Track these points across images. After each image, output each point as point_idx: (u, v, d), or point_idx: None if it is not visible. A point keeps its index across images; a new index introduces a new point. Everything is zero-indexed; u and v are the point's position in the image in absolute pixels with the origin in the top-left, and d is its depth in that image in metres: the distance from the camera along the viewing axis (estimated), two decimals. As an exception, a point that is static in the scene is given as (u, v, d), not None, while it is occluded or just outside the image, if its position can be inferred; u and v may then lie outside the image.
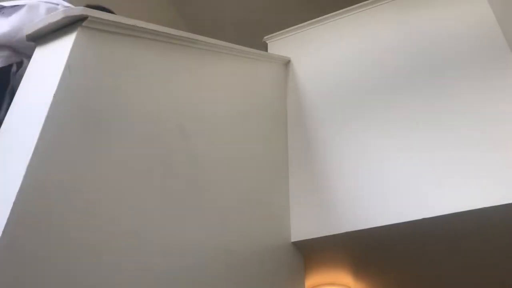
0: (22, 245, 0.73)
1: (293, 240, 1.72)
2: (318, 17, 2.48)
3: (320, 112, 2.08)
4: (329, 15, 2.45)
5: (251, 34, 2.33)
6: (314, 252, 1.79)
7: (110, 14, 1.11)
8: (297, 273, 1.74)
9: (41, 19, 1.03)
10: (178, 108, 1.31)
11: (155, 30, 1.28)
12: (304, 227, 1.73)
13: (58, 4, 1.25)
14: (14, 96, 0.95)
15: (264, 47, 2.54)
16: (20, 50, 1.15)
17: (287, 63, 2.38)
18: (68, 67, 0.94)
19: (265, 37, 2.57)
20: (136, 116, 1.11)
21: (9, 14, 1.18)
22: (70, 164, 0.88)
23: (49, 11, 1.18)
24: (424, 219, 1.54)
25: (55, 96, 0.88)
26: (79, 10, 1.02)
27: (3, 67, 1.11)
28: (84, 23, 1.02)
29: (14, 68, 1.14)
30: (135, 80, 1.16)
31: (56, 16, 1.01)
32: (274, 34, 2.56)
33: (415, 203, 1.58)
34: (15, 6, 1.21)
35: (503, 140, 1.59)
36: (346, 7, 2.42)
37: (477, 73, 1.83)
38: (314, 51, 2.36)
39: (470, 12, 2.04)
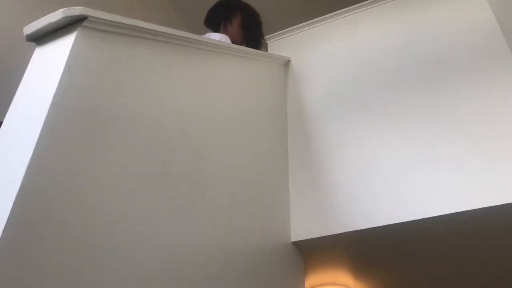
0: (22, 245, 0.73)
1: (293, 240, 1.72)
2: (318, 17, 2.48)
3: (320, 112, 2.08)
4: (329, 15, 2.45)
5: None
6: (314, 252, 1.79)
7: (110, 14, 1.11)
8: (297, 273, 1.74)
9: (41, 19, 1.03)
10: (178, 108, 1.31)
11: (155, 30, 1.28)
12: (304, 227, 1.73)
13: None
14: None
15: (264, 47, 2.54)
16: None
17: (287, 63, 2.38)
18: (68, 67, 0.94)
19: (265, 37, 2.57)
20: (136, 116, 1.11)
21: None
22: (70, 164, 0.88)
23: None
24: (424, 219, 1.54)
25: (55, 96, 0.88)
26: (79, 10, 1.02)
27: None
28: (84, 23, 1.02)
29: None
30: (135, 80, 1.16)
31: (56, 16, 1.01)
32: (274, 34, 2.56)
33: (415, 203, 1.58)
34: None
35: (503, 140, 1.59)
36: (346, 7, 2.42)
37: (477, 73, 1.83)
38: (314, 51, 2.36)
39: (470, 12, 2.04)
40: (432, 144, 1.70)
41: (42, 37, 1.03)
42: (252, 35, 2.03)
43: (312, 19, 2.48)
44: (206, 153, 1.37)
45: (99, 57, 1.06)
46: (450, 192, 1.56)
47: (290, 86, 2.29)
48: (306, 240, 1.70)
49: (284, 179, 1.88)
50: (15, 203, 0.73)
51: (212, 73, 1.63)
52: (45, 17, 1.03)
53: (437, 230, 1.61)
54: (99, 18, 1.06)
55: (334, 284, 2.03)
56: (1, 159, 0.84)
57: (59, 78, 0.91)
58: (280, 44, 2.52)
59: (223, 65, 1.74)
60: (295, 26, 2.50)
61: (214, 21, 2.05)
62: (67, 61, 0.94)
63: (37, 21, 1.03)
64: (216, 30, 2.08)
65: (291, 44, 2.47)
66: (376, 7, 2.34)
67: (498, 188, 1.49)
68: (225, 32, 2.05)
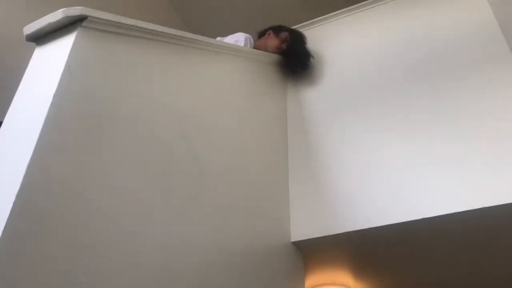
0: (22, 245, 0.73)
1: (293, 240, 1.72)
2: (318, 17, 2.48)
3: (320, 112, 2.08)
4: (328, 15, 2.45)
5: (251, 34, 2.34)
6: (314, 252, 1.79)
7: (110, 14, 1.11)
8: (297, 273, 1.74)
9: (41, 19, 1.03)
10: (178, 108, 1.31)
11: (155, 30, 1.28)
12: (304, 227, 1.73)
13: None
14: None
15: (264, 47, 2.53)
16: None
17: (287, 63, 2.38)
18: (69, 67, 0.94)
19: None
20: (136, 116, 1.11)
21: None
22: (70, 164, 0.88)
23: None
24: (424, 219, 1.54)
25: (55, 96, 0.88)
26: (79, 10, 1.02)
27: None
28: (84, 23, 1.02)
29: None
30: (135, 80, 1.16)
31: (56, 16, 1.01)
32: (274, 34, 2.55)
33: (415, 203, 1.58)
34: None
35: (503, 140, 1.59)
36: (346, 7, 2.42)
37: (477, 73, 1.83)
38: (314, 51, 2.36)
39: (470, 12, 2.04)
40: (432, 144, 1.70)
41: (42, 37, 1.03)
42: (299, 54, 2.14)
43: (312, 19, 2.49)
44: (206, 153, 1.37)
45: (99, 57, 1.06)
46: (450, 192, 1.55)
47: (290, 86, 2.29)
48: (306, 240, 1.70)
49: (284, 179, 1.88)
50: (15, 203, 0.73)
51: (212, 73, 1.63)
52: (45, 17, 1.03)
53: (437, 230, 1.61)
54: (99, 18, 1.06)
55: (334, 284, 2.03)
56: (1, 159, 0.84)
57: (59, 78, 0.91)
58: (280, 44, 2.51)
59: (223, 65, 1.74)
60: (295, 26, 2.50)
61: (264, 32, 2.16)
62: (67, 61, 0.94)
63: (37, 21, 1.03)
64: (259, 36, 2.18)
65: (291, 44, 2.46)
66: (376, 8, 2.34)
67: (498, 188, 1.49)
68: (266, 38, 2.13)
